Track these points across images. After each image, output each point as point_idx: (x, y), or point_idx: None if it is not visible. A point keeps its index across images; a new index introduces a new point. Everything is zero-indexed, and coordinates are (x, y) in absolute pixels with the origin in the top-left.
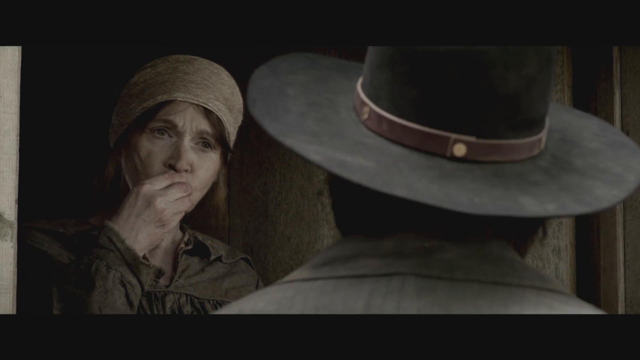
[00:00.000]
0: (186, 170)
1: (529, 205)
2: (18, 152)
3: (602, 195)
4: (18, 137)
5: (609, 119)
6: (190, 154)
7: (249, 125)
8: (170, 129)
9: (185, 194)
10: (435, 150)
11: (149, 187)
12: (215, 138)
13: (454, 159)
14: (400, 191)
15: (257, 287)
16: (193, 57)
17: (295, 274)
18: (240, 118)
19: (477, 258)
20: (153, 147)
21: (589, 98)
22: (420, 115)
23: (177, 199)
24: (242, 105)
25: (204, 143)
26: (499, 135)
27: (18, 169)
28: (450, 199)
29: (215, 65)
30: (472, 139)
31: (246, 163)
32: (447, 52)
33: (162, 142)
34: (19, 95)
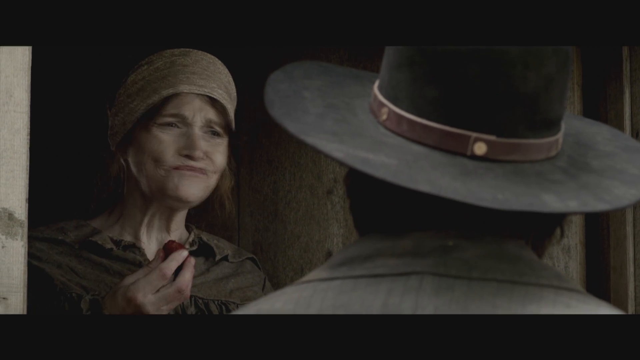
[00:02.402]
0: (201, 159)
1: (551, 202)
2: (28, 151)
3: (621, 194)
4: (28, 137)
5: (619, 118)
6: (202, 142)
7: (256, 125)
8: (180, 121)
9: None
10: (456, 149)
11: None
12: (221, 126)
13: (474, 157)
14: (424, 187)
15: (263, 288)
16: (186, 49)
17: (313, 274)
18: (235, 105)
19: (494, 257)
20: (165, 136)
21: (599, 97)
22: (440, 114)
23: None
24: (236, 93)
25: (212, 132)
26: (518, 135)
27: (28, 168)
28: (474, 194)
29: (209, 55)
30: (493, 137)
31: (256, 162)
32: (468, 51)
33: (172, 132)
34: (30, 95)
